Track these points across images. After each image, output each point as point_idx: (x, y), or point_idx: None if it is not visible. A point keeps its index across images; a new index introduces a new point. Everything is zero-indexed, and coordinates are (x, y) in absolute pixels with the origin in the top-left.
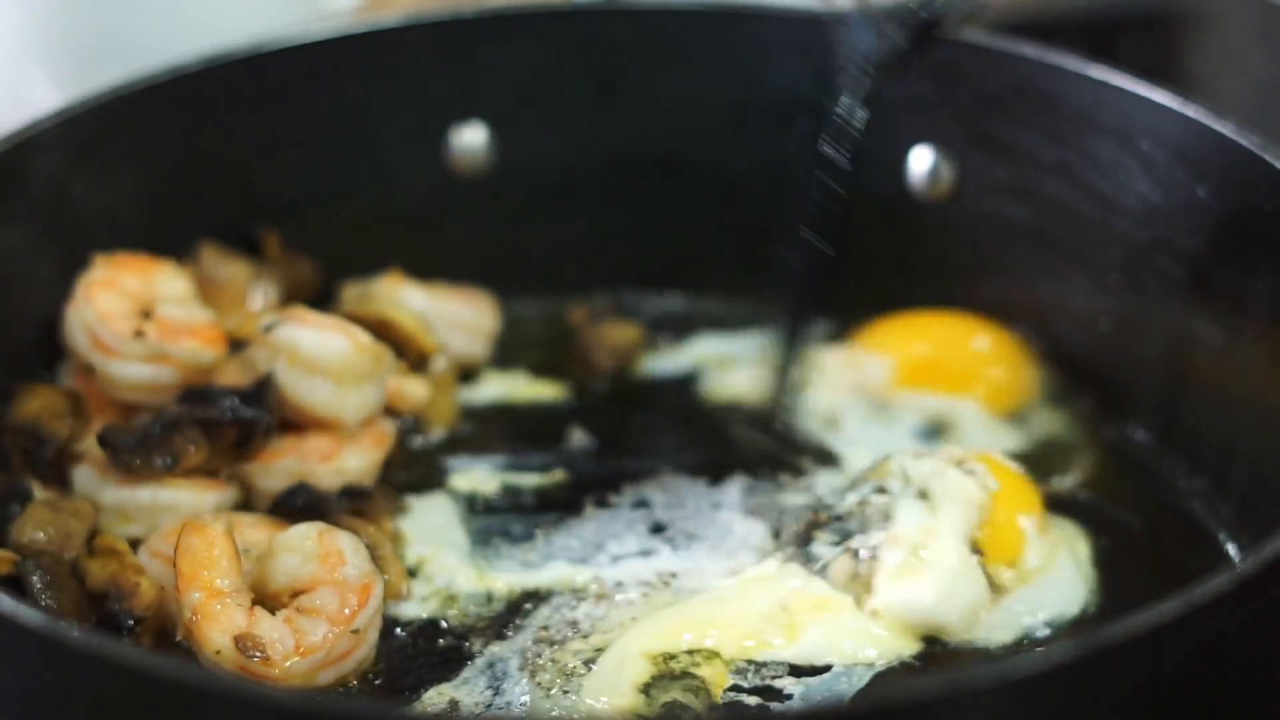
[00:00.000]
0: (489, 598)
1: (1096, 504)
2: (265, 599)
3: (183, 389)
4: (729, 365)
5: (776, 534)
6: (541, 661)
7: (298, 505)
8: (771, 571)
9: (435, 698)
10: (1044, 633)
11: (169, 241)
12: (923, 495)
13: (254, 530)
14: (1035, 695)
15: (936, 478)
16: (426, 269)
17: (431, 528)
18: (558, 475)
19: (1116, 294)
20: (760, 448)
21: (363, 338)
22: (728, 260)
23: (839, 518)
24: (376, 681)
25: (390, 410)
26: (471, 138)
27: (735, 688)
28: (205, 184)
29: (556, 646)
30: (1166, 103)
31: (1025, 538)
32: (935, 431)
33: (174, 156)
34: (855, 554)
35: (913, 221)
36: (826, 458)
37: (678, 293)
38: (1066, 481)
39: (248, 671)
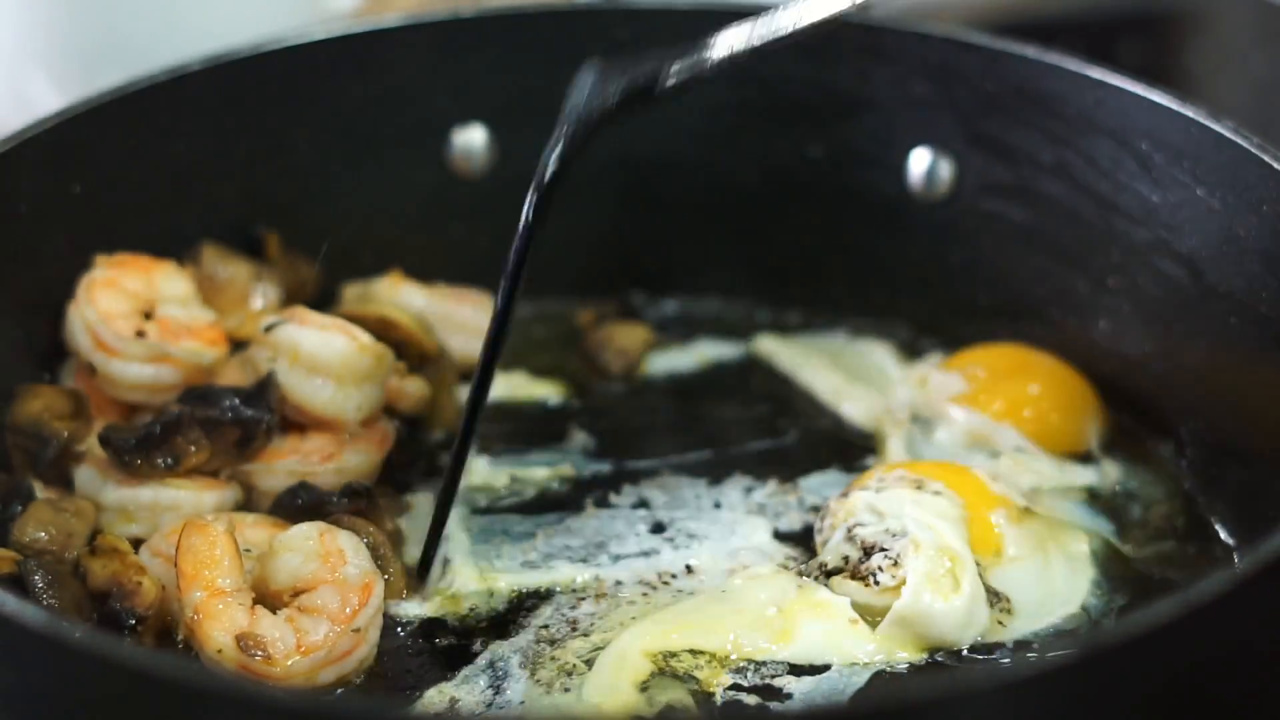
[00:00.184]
0: (490, 597)
1: (1096, 504)
2: (266, 598)
3: (184, 389)
4: (732, 368)
5: (776, 534)
6: (542, 660)
7: (299, 505)
8: (771, 571)
9: (436, 696)
10: (1043, 634)
11: (170, 242)
12: (913, 523)
13: (255, 530)
14: (1035, 696)
15: (914, 505)
16: (426, 269)
17: None
18: (559, 475)
19: (1115, 294)
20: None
21: (364, 338)
22: (728, 262)
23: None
24: (377, 680)
25: (390, 410)
26: (471, 139)
27: (735, 687)
28: (206, 184)
29: (557, 645)
30: (1166, 103)
31: (1002, 532)
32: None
33: (175, 157)
34: (864, 567)
35: (911, 222)
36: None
37: (678, 294)
38: (1066, 481)
39: (249, 670)
